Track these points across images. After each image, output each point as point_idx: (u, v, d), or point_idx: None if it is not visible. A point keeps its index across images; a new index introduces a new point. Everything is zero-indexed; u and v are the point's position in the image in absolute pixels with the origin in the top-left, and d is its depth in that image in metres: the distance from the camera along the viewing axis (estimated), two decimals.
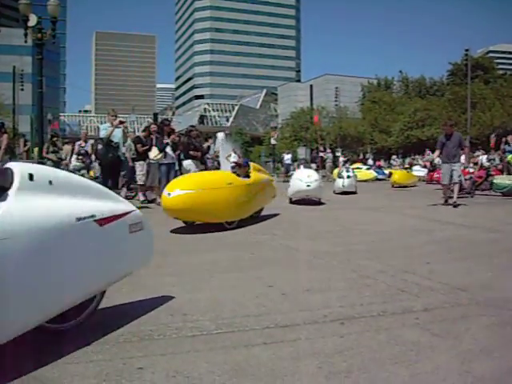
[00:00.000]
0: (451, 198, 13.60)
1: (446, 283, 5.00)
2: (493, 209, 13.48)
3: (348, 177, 19.57)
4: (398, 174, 26.13)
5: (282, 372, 2.95)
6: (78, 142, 17.44)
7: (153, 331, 3.61)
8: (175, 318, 3.92)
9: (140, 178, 14.14)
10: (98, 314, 4.00)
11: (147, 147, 13.67)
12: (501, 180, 17.67)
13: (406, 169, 38.33)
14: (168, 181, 12.81)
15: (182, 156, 14.05)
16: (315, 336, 3.53)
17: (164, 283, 5.05)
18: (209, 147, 15.93)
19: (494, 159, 22.46)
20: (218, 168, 18.07)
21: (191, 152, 13.06)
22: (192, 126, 15.09)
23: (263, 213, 10.93)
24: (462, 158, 16.25)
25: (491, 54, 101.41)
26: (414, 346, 3.34)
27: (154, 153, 12.87)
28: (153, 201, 14.05)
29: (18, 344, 3.32)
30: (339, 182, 19.57)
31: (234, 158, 25.75)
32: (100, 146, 13.37)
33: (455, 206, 13.03)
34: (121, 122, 12.74)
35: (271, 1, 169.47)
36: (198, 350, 3.29)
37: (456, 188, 13.57)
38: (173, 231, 9.05)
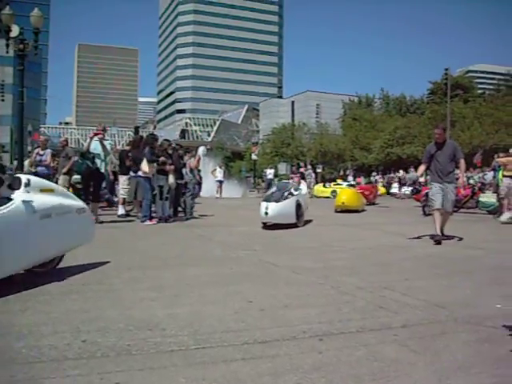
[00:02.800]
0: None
1: (425, 300, 5.02)
2: (473, 226, 13.59)
3: (283, 198, 12.41)
4: (345, 194, 19.62)
5: None
6: (36, 150, 15.41)
7: (131, 346, 3.58)
8: (154, 332, 3.89)
9: (124, 191, 14.11)
10: (74, 327, 3.97)
11: (131, 162, 13.63)
12: (487, 198, 17.81)
13: (384, 186, 38.62)
14: (151, 195, 12.76)
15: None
16: (294, 352, 3.52)
17: (143, 298, 5.02)
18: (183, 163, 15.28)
19: (478, 177, 22.65)
20: (199, 182, 18.04)
21: (167, 166, 12.95)
22: (166, 140, 14.96)
23: (241, 229, 10.91)
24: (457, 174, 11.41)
25: (470, 74, 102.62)
26: (393, 362, 3.35)
27: (146, 168, 12.67)
28: (128, 214, 14.03)
29: None
30: (262, 207, 12.14)
31: (219, 172, 25.76)
32: (76, 158, 13.37)
33: (437, 241, 9.52)
34: (95, 134, 12.69)
35: (254, 17, 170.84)
36: (177, 365, 3.27)
37: (446, 218, 10.19)
38: (152, 246, 9.00)
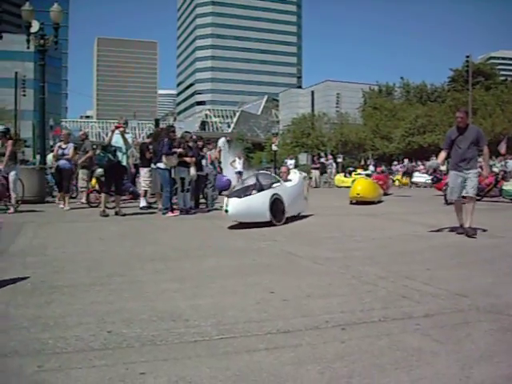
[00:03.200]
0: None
1: (447, 289, 5.01)
2: (495, 215, 13.47)
3: (247, 193, 10.78)
4: (361, 184, 18.01)
5: (283, 377, 2.97)
6: (58, 144, 15.65)
7: (155, 337, 3.62)
8: (177, 323, 3.94)
9: (146, 183, 14.24)
10: (99, 318, 4.03)
11: (152, 154, 13.75)
12: (510, 186, 17.62)
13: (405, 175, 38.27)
14: (171, 187, 12.84)
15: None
16: (317, 342, 3.54)
17: (165, 289, 5.07)
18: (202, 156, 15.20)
19: (500, 165, 22.40)
20: (220, 173, 18.08)
21: (186, 158, 12.99)
22: (187, 132, 15.00)
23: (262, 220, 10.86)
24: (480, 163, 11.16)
25: (492, 61, 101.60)
26: (415, 351, 3.36)
27: (171, 160, 12.71)
28: (150, 206, 14.16)
29: (20, 347, 3.36)
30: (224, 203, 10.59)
31: (238, 163, 25.78)
32: (98, 151, 13.49)
33: (470, 235, 8.81)
34: (116, 127, 12.78)
35: (273, 7, 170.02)
36: (200, 355, 3.30)
37: (469, 207, 9.18)
38: (174, 237, 9.06)
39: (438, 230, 9.65)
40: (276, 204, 10.91)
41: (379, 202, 18.12)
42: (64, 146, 14.74)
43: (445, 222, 10.28)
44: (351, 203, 17.27)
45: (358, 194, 17.15)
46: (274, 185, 11.50)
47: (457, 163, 9.27)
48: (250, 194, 10.65)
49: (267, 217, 10.61)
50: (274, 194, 10.98)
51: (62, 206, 14.35)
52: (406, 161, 42.18)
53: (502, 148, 26.64)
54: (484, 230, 9.42)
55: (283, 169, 13.34)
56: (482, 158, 9.99)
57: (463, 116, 9.38)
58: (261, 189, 10.89)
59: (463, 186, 9.13)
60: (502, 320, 4.03)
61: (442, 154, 9.74)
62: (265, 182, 11.39)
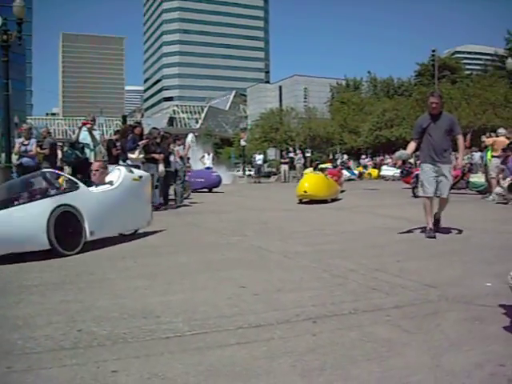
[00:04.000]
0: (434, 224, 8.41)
1: (417, 280, 5.07)
2: (463, 207, 13.66)
3: None
4: (309, 181, 15.65)
5: (256, 371, 2.97)
6: (20, 140, 14.13)
7: (126, 334, 3.59)
8: (148, 320, 3.91)
9: None
10: (69, 317, 3.98)
11: (119, 151, 13.60)
12: (477, 179, 18.01)
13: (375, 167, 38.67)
14: None
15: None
16: (288, 335, 3.55)
17: (136, 286, 5.03)
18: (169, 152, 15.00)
19: (467, 158, 22.71)
20: (188, 169, 17.99)
21: (154, 155, 12.92)
22: (155, 128, 14.90)
23: (231, 215, 10.87)
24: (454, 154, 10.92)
25: (457, 55, 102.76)
26: (386, 342, 3.39)
27: (136, 154, 12.63)
28: None
29: None
30: None
31: (207, 159, 25.69)
32: (65, 148, 13.34)
33: (430, 237, 7.97)
34: (83, 124, 12.65)
35: (240, 2, 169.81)
36: (172, 351, 3.29)
37: (441, 206, 8.59)
38: (143, 234, 9.01)
39: (408, 232, 8.67)
40: (66, 221, 6.91)
41: (335, 200, 16.15)
42: (26, 142, 13.57)
43: (414, 214, 10.37)
44: (300, 202, 15.20)
45: (306, 192, 14.94)
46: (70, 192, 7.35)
47: (429, 155, 8.31)
48: (13, 206, 6.68)
49: (44, 243, 6.56)
50: (62, 206, 6.92)
51: None
52: (345, 156, 42.65)
53: (467, 140, 27.10)
54: (459, 232, 8.55)
55: (95, 165, 8.90)
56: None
57: (437, 101, 8.30)
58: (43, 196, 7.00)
59: (437, 181, 8.20)
60: (471, 310, 4.10)
61: (412, 144, 8.74)
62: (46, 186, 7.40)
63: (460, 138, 8.56)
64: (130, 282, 5.22)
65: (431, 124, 8.32)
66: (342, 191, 19.38)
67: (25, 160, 13.43)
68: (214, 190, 22.16)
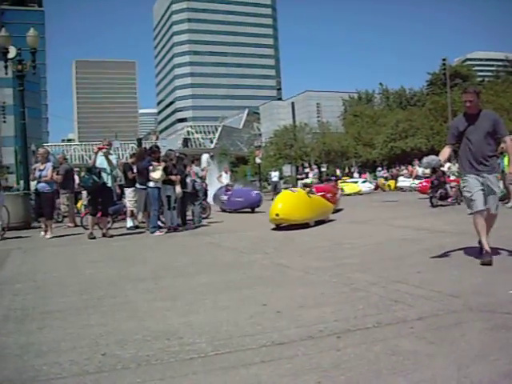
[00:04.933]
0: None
1: (439, 291, 5.03)
2: None
3: None
4: (283, 201, 12.76)
5: None
6: (36, 165, 13.76)
7: (150, 356, 3.60)
8: (171, 341, 3.92)
9: (131, 204, 14.17)
10: (93, 341, 4.00)
11: (136, 174, 13.71)
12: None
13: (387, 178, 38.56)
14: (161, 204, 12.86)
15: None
16: (312, 351, 3.54)
17: (158, 308, 5.04)
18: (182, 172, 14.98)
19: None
20: (206, 190, 18.01)
21: (171, 176, 12.99)
22: (170, 150, 14.99)
23: (250, 233, 10.83)
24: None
25: (468, 62, 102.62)
26: (411, 355, 3.36)
27: (157, 174, 12.69)
28: (137, 226, 14.08)
29: (14, 375, 3.32)
30: None
31: (225, 178, 25.73)
32: (82, 173, 13.43)
33: (485, 262, 6.41)
34: (99, 149, 12.77)
35: (249, 22, 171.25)
36: (197, 372, 3.29)
37: (490, 224, 6.97)
38: (163, 256, 9.03)
39: (443, 255, 7.30)
40: None
41: (320, 222, 13.46)
42: (42, 167, 13.07)
43: (432, 224, 10.31)
44: (275, 228, 12.61)
45: (278, 216, 12.02)
46: None
47: (470, 163, 6.92)
48: None
49: None
50: None
51: (42, 233, 13.08)
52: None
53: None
54: (511, 253, 7.13)
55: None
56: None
57: (473, 99, 6.87)
58: None
59: (484, 194, 6.75)
60: (496, 318, 4.06)
61: (446, 150, 7.22)
62: None
63: (507, 140, 6.93)
64: (151, 304, 5.23)
65: (469, 126, 6.94)
66: (339, 210, 17.33)
67: (40, 186, 13.07)
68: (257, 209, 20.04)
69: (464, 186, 7.02)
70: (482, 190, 6.73)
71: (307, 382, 3.04)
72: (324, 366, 3.25)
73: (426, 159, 7.09)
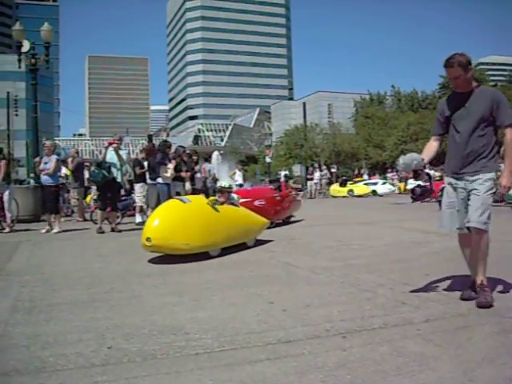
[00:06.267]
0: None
1: (446, 294, 5.02)
2: (496, 218, 13.42)
3: None
4: (159, 217, 8.05)
5: None
6: (42, 158, 13.47)
7: (156, 351, 3.61)
8: (178, 337, 3.93)
9: (140, 199, 14.21)
10: (99, 334, 4.01)
11: (145, 170, 13.76)
12: None
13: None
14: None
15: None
16: (318, 350, 3.54)
17: (165, 303, 5.05)
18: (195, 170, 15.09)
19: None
20: (215, 189, 18.04)
21: (181, 173, 13.00)
22: (180, 147, 14.99)
23: (264, 231, 10.75)
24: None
25: (481, 66, 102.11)
26: (417, 356, 3.35)
27: (168, 174, 12.66)
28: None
29: (21, 366, 3.34)
30: None
31: (238, 175, 25.69)
32: (92, 168, 13.45)
33: (481, 304, 4.53)
34: (110, 144, 12.79)
35: (261, 20, 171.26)
36: (202, 367, 3.29)
37: (479, 247, 4.89)
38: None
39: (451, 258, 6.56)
40: None
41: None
42: (46, 160, 12.82)
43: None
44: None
45: (149, 241, 7.65)
46: None
47: (453, 163, 4.98)
48: None
49: None
50: None
51: (43, 230, 12.51)
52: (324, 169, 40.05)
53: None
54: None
55: None
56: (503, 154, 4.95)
57: (458, 74, 4.80)
58: None
59: (466, 205, 4.84)
60: (503, 322, 4.04)
61: (431, 145, 5.20)
62: None
63: (508, 133, 4.75)
64: (158, 299, 5.24)
65: (458, 109, 4.94)
66: (289, 219, 14.38)
67: (44, 178, 12.80)
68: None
69: (443, 194, 5.17)
70: (457, 208, 4.92)
71: (312, 380, 3.04)
72: (329, 366, 3.25)
73: (402, 159, 4.95)
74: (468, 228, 4.85)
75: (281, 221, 13.33)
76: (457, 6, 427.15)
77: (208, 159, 17.15)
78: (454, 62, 4.78)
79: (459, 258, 7.25)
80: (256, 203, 12.15)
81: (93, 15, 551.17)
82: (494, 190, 4.89)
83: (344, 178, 40.93)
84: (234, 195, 9.77)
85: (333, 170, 47.40)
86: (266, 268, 7.09)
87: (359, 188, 35.86)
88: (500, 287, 5.32)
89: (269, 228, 10.67)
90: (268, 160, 50.96)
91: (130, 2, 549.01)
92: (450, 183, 5.04)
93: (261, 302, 5.01)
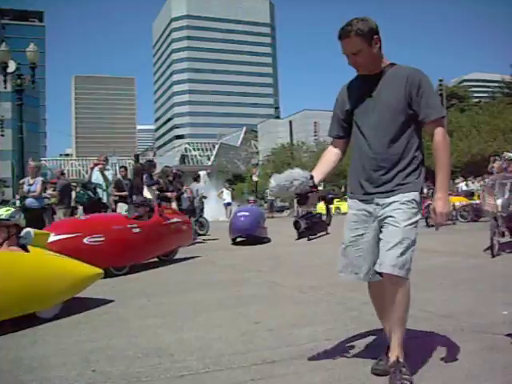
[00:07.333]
0: None
1: (431, 311, 5.04)
2: (478, 234, 13.49)
3: None
4: None
5: None
6: (26, 179, 12.65)
7: (140, 373, 3.59)
8: (162, 358, 3.91)
9: None
10: (83, 357, 3.98)
11: (123, 194, 13.33)
12: None
13: None
14: None
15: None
16: (303, 370, 3.53)
17: (149, 325, 5.03)
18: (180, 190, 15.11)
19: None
20: (202, 208, 17.98)
21: (167, 193, 12.98)
22: (167, 167, 15.01)
23: (246, 251, 10.81)
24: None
25: (465, 83, 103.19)
26: None
27: (149, 195, 12.60)
28: None
29: None
30: None
31: (226, 194, 25.65)
32: (78, 189, 13.42)
33: (373, 371, 3.39)
34: (95, 165, 12.79)
35: (248, 40, 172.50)
36: None
37: (395, 302, 3.31)
38: (156, 273, 9.01)
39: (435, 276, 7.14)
40: None
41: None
42: (31, 182, 12.18)
43: (426, 245, 10.28)
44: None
45: None
46: None
47: (356, 180, 3.53)
48: None
49: None
50: None
51: None
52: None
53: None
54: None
55: None
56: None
57: (356, 48, 3.29)
58: None
59: (378, 241, 3.46)
60: (487, 339, 4.06)
61: (330, 153, 3.75)
62: None
63: (440, 134, 3.38)
64: (143, 321, 5.22)
65: (363, 100, 3.41)
66: (165, 256, 10.40)
67: (28, 201, 12.17)
68: None
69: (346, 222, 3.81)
70: (362, 246, 3.69)
71: None
72: None
73: (275, 179, 3.52)
74: (380, 273, 3.43)
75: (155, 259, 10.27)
76: (440, 24, 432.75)
77: (197, 179, 17.10)
78: (351, 30, 3.23)
79: (444, 275, 7.32)
80: (87, 241, 8.15)
81: (79, 35, 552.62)
82: (417, 218, 3.40)
83: (330, 196, 40.91)
84: (31, 230, 6.56)
85: (320, 188, 47.51)
86: (252, 287, 7.08)
87: (346, 205, 35.95)
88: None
89: (253, 245, 10.62)
90: (255, 178, 50.90)
91: (116, 22, 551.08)
92: (353, 208, 3.61)
93: (246, 322, 5.00)
